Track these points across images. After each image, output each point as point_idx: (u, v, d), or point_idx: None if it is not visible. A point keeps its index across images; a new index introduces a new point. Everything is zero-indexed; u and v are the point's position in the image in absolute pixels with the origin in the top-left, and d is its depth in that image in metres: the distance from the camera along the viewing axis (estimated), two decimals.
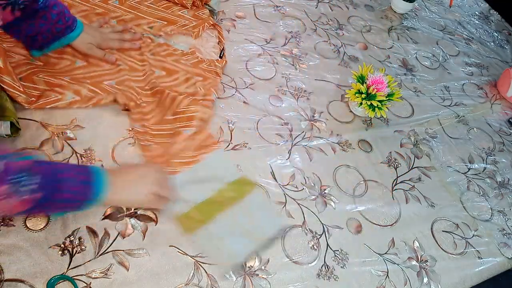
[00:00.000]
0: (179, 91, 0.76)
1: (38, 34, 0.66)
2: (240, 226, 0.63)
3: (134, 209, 0.61)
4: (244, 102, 0.81)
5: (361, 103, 0.83)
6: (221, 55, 0.86)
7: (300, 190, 0.72)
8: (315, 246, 0.66)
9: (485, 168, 0.92)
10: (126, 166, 0.59)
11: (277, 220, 0.66)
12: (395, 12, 1.26)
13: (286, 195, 0.70)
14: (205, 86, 0.78)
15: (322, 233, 0.68)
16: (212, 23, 0.90)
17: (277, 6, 1.07)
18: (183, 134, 0.69)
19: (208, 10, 0.93)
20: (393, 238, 0.71)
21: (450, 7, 1.40)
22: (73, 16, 0.70)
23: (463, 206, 0.82)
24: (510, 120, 1.07)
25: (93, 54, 0.74)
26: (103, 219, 0.59)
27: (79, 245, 0.55)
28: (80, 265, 0.54)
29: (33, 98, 0.66)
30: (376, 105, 0.82)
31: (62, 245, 0.55)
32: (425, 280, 0.68)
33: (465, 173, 0.89)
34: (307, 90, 0.89)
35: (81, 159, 0.63)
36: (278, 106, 0.83)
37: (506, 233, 0.80)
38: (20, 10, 0.60)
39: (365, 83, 0.83)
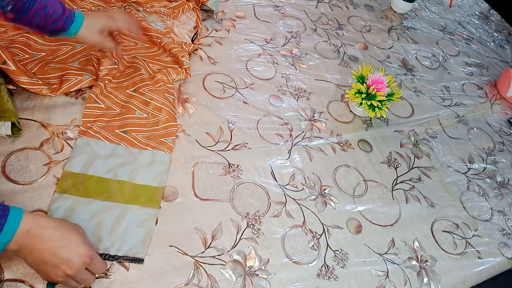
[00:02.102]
0: (162, 60, 0.79)
1: (39, 30, 0.66)
2: (104, 222, 0.57)
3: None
4: (244, 102, 0.81)
5: (361, 103, 0.83)
6: (193, 39, 0.86)
7: (300, 190, 0.72)
8: (315, 246, 0.66)
9: (485, 168, 0.92)
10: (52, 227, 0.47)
11: (141, 244, 0.57)
12: (395, 12, 1.26)
13: (286, 195, 0.70)
14: (177, 56, 0.79)
15: (322, 233, 0.68)
16: (192, 6, 0.91)
17: (277, 6, 1.07)
18: (134, 113, 0.69)
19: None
20: (393, 238, 0.71)
21: (450, 7, 1.40)
22: (69, 9, 0.65)
23: (463, 206, 0.82)
24: (510, 120, 1.07)
25: (105, 47, 0.69)
26: None
27: None
28: None
29: (55, 86, 0.67)
30: (376, 105, 0.82)
31: None
32: (425, 280, 0.68)
33: (465, 173, 0.89)
34: (307, 90, 0.89)
35: None
36: (278, 106, 0.83)
37: (506, 233, 0.80)
38: (10, 11, 0.59)
39: (365, 83, 0.83)
